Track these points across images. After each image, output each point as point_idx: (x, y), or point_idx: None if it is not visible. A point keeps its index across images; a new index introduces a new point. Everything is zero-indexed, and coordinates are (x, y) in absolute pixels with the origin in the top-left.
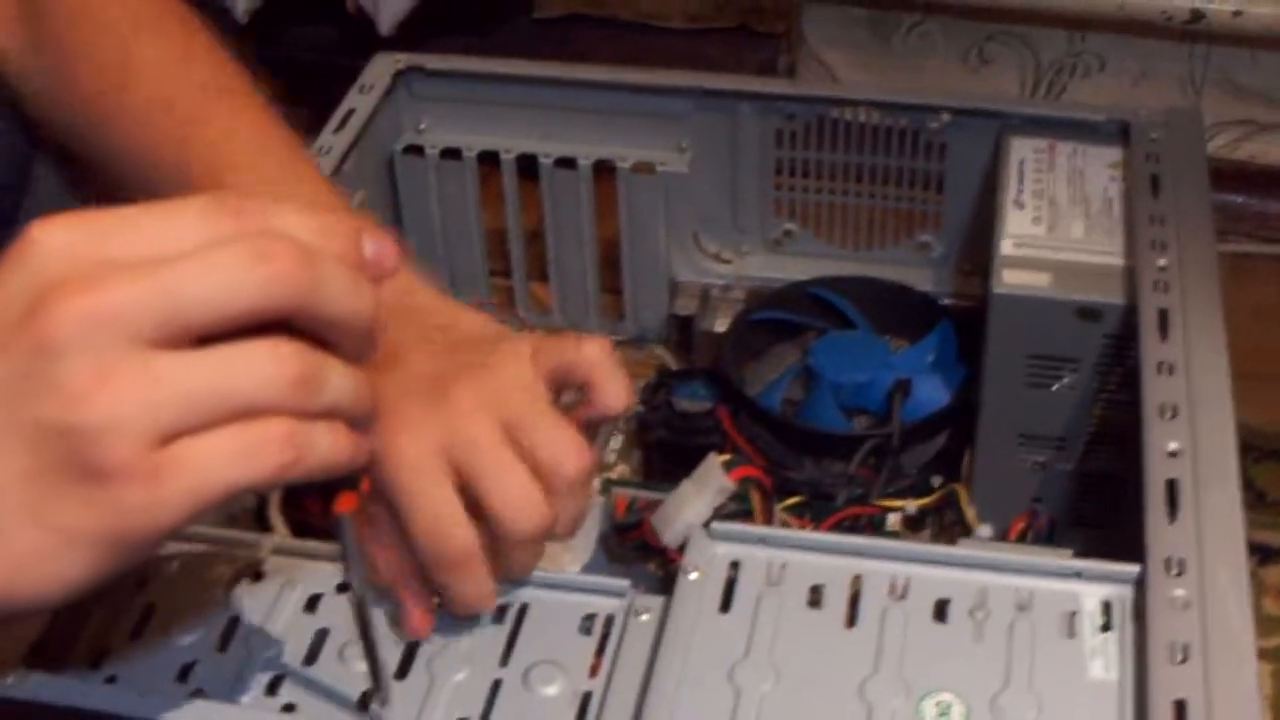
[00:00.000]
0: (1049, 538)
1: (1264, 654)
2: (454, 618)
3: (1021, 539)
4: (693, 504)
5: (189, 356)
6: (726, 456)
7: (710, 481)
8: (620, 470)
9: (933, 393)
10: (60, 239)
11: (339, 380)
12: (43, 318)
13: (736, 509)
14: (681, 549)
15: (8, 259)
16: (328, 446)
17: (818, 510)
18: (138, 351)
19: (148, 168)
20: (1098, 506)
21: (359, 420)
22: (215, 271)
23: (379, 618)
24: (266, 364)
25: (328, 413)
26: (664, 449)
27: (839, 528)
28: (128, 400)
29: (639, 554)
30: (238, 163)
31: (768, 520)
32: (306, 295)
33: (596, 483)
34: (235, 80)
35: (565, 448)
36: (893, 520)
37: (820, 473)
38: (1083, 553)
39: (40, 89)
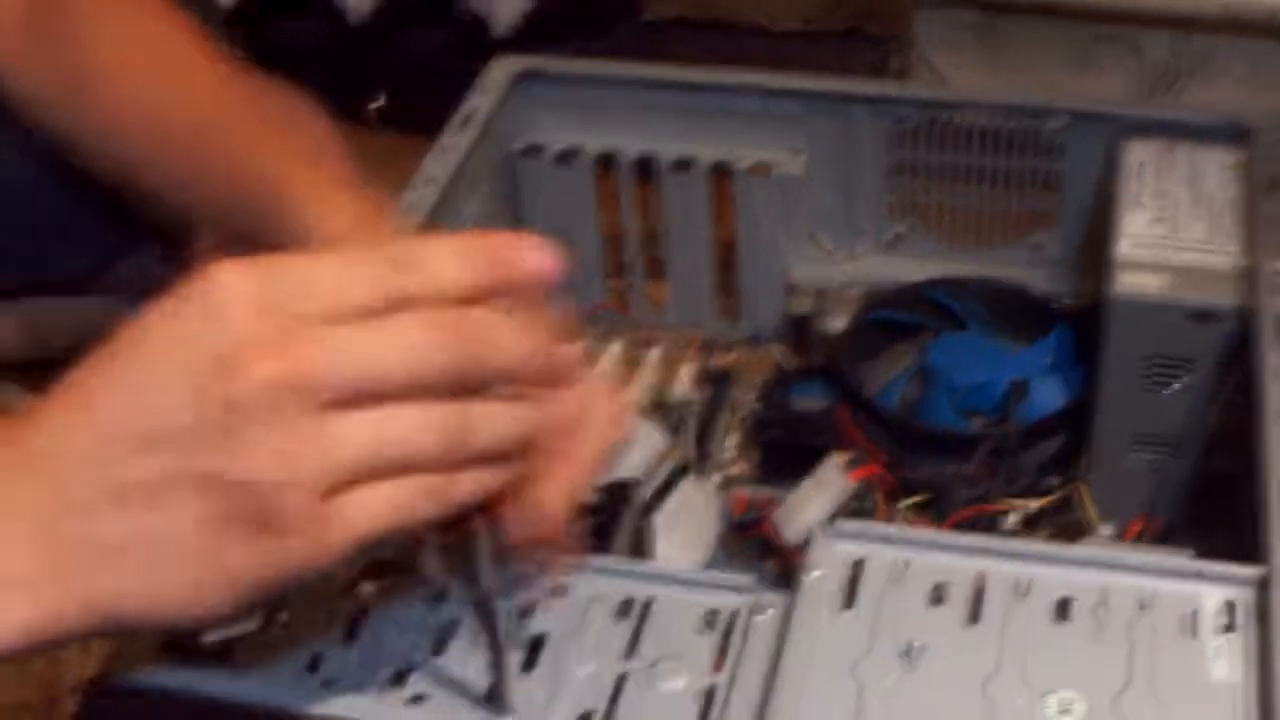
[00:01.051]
0: (1164, 539)
1: None
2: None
3: (1138, 540)
4: (814, 503)
5: (357, 420)
6: (847, 456)
7: (831, 481)
8: (738, 469)
9: (1049, 394)
10: (244, 288)
11: (489, 428)
12: (236, 378)
13: (856, 508)
14: (801, 547)
15: (191, 301)
16: (470, 490)
17: (938, 509)
18: (316, 414)
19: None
20: (1213, 509)
21: (509, 453)
22: (405, 350)
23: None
24: (424, 431)
25: (477, 458)
26: (780, 448)
27: (958, 527)
28: (305, 461)
29: (757, 552)
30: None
31: (889, 519)
32: (480, 366)
33: (716, 478)
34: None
35: None
36: (1011, 521)
37: (938, 472)
38: (1199, 555)
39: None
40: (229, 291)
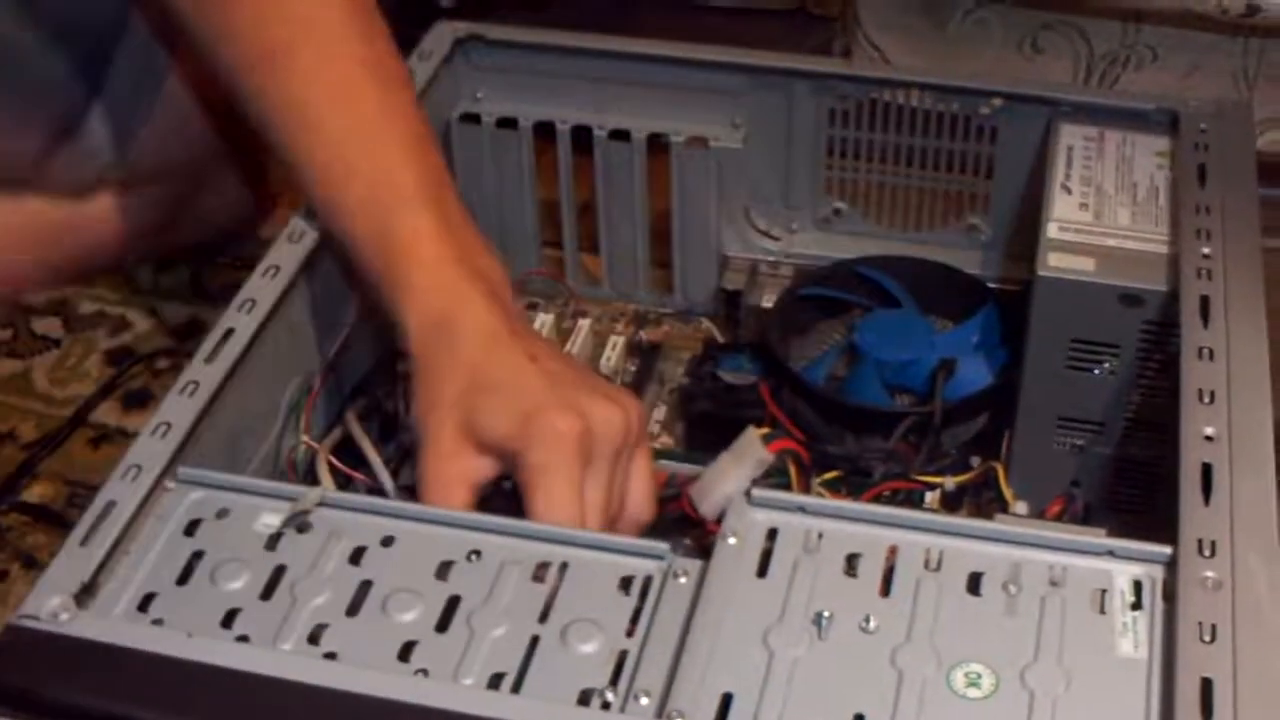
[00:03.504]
0: (1084, 521)
1: None
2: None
3: (1057, 521)
4: (731, 476)
5: None
6: (765, 430)
7: (749, 454)
8: (663, 441)
9: (975, 373)
10: None
11: None
12: None
13: (774, 482)
14: (719, 521)
15: None
16: None
17: (855, 485)
18: None
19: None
20: (1133, 492)
21: None
22: None
23: None
24: None
25: None
26: (708, 420)
27: (876, 502)
28: None
29: (677, 526)
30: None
31: (805, 493)
32: None
33: None
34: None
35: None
36: (930, 499)
37: (860, 448)
38: (1117, 536)
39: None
40: None
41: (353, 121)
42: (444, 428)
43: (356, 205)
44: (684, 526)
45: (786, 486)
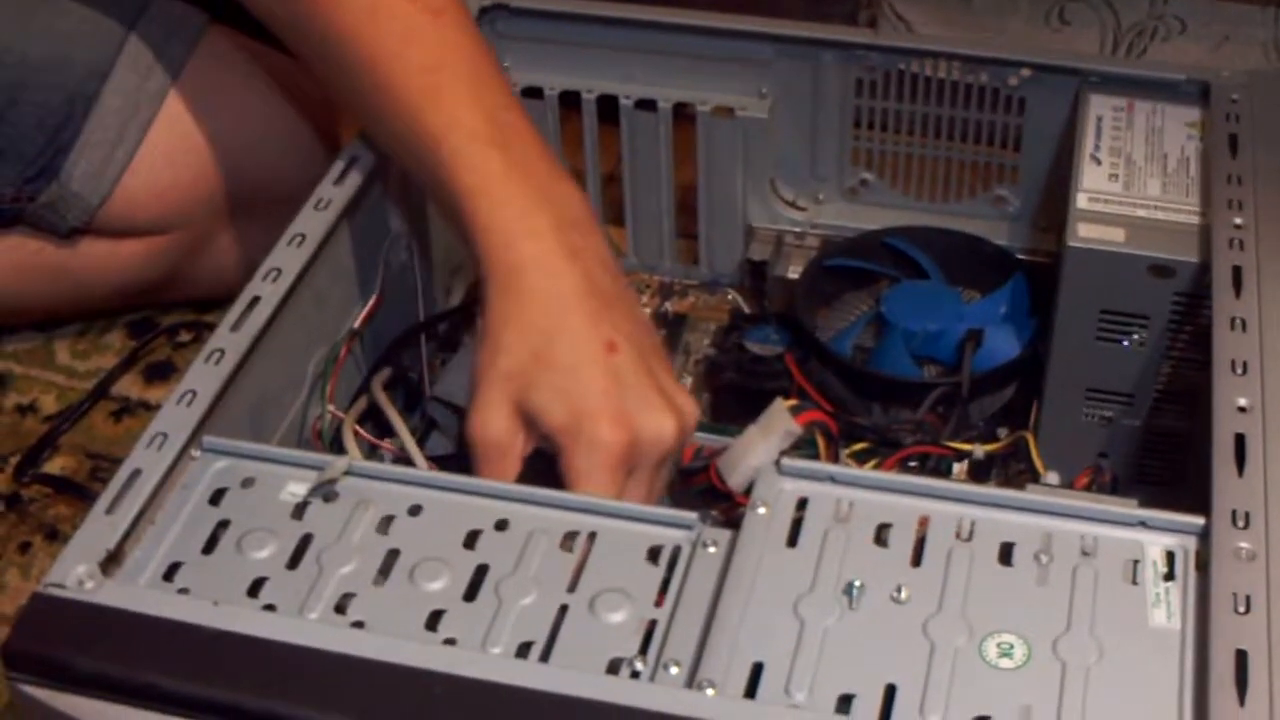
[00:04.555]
0: (1113, 493)
1: None
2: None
3: (1085, 491)
4: (758, 448)
5: None
6: (793, 401)
7: (777, 426)
8: None
9: (1003, 344)
10: None
11: None
12: None
13: (803, 454)
14: (747, 493)
15: None
16: None
17: (884, 457)
18: None
19: (356, 74)
20: (1162, 463)
21: None
22: None
23: None
24: None
25: None
26: (734, 391)
27: (902, 464)
28: None
29: (704, 498)
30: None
31: (833, 464)
32: None
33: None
34: None
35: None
36: (958, 470)
37: (888, 419)
38: (1147, 507)
39: None
40: None
41: (408, 63)
42: (497, 397)
43: (418, 145)
44: (711, 499)
45: (815, 458)
